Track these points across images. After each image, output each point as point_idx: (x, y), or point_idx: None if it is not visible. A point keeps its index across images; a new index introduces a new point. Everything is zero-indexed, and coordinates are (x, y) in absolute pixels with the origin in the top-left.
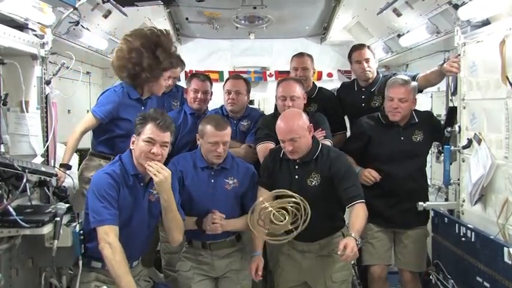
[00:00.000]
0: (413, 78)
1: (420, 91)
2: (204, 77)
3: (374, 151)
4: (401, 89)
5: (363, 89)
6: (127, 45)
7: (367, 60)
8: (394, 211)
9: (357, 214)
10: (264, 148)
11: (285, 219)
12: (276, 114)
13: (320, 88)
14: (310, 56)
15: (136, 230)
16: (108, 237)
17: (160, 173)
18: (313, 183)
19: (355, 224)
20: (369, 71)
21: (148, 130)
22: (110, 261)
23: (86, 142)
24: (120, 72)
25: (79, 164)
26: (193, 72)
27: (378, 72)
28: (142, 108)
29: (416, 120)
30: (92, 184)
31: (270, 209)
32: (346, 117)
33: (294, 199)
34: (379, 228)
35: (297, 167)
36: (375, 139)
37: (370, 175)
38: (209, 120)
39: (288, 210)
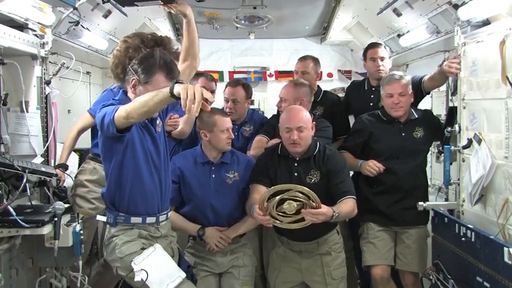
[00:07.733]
0: (420, 80)
1: (428, 93)
2: (211, 77)
3: (375, 147)
4: (399, 84)
5: (373, 89)
6: (125, 44)
7: (382, 59)
8: (396, 208)
9: (345, 202)
10: (257, 140)
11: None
12: (279, 114)
13: (325, 92)
14: (314, 60)
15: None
16: None
17: None
18: (313, 180)
19: (341, 206)
20: (383, 69)
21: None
22: None
23: (88, 143)
24: (116, 69)
25: (79, 164)
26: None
27: None
28: None
29: (416, 116)
30: None
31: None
32: (351, 117)
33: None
34: (381, 227)
35: (296, 164)
36: (376, 135)
37: (374, 165)
38: (213, 112)
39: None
